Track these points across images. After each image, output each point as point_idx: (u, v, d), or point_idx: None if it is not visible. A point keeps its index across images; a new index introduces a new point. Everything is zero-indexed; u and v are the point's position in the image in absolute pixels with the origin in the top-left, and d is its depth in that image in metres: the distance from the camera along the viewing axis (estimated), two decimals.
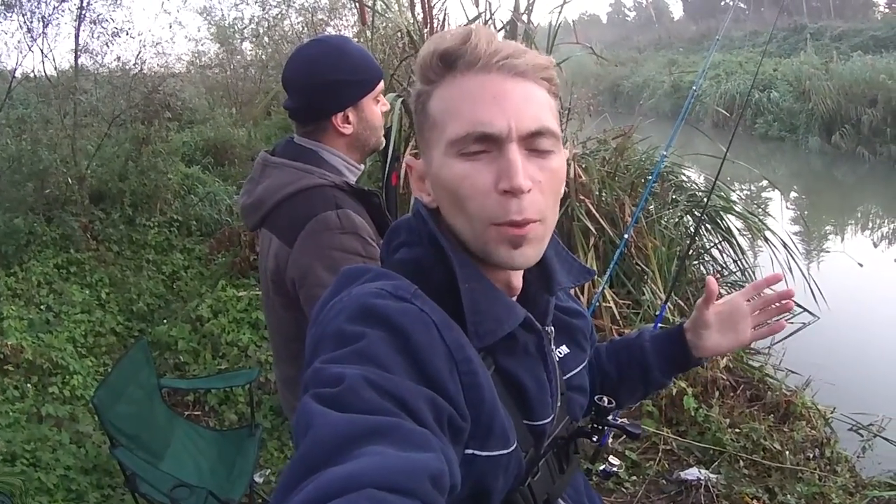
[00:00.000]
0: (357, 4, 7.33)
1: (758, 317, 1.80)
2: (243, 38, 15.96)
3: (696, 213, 7.55)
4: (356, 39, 11.04)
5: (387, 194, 5.11)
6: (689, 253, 7.47)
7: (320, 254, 2.23)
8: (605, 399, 1.72)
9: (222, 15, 16.59)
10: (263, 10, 15.90)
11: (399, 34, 7.75)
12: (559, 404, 1.49)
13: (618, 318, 5.98)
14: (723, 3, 73.78)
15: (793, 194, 17.49)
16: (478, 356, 1.24)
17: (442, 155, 1.28)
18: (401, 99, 6.09)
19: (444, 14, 7.35)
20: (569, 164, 6.53)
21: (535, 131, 1.26)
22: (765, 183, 14.67)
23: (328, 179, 2.39)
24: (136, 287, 7.89)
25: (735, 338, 1.81)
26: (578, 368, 1.62)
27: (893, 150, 18.96)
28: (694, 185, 8.08)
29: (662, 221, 6.99)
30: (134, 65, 11.23)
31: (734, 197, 8.72)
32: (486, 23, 6.88)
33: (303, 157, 2.45)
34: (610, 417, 1.72)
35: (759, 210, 8.66)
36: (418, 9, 7.16)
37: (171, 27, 17.26)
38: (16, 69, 9.59)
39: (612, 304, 5.94)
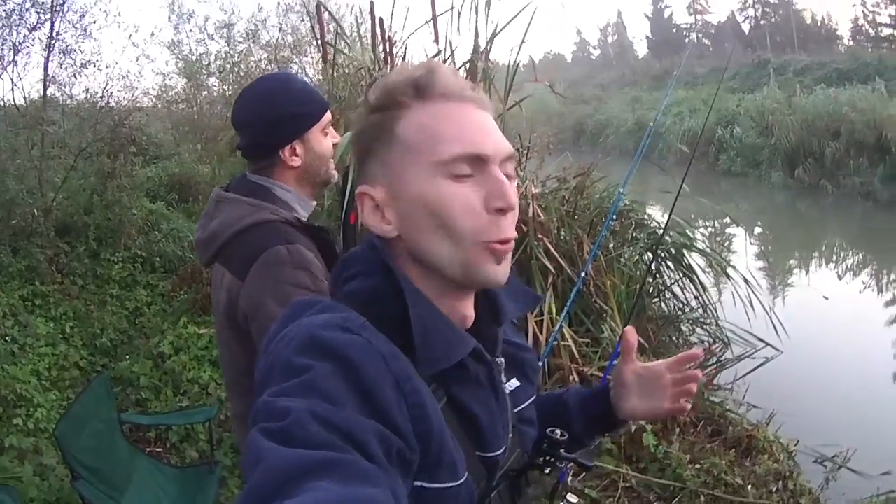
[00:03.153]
0: (319, 42, 7.30)
1: (675, 389, 1.77)
2: (210, 74, 15.89)
3: (656, 250, 7.55)
4: (319, 77, 11.08)
5: (345, 232, 5.09)
6: (650, 291, 7.48)
7: (272, 287, 2.24)
8: (558, 431, 1.67)
9: (190, 49, 16.57)
10: (228, 45, 15.92)
11: (360, 72, 7.76)
12: (511, 436, 1.48)
13: (576, 356, 5.94)
14: (686, 41, 74.71)
15: (757, 230, 17.59)
16: (427, 387, 1.23)
17: (426, 176, 1.30)
18: None
19: (405, 52, 7.35)
20: (528, 203, 6.52)
21: (510, 155, 1.35)
22: (729, 219, 14.72)
23: (280, 215, 2.41)
24: (99, 322, 7.89)
25: (652, 405, 1.78)
26: (528, 401, 1.62)
27: (857, 182, 19.13)
28: (655, 222, 8.03)
29: (622, 259, 6.96)
30: (101, 97, 11.29)
31: (699, 234, 8.76)
32: (445, 61, 6.87)
33: (255, 193, 2.49)
34: (562, 450, 1.67)
35: (723, 246, 8.69)
36: (379, 49, 7.14)
37: (137, 60, 17.22)
38: None
39: (570, 343, 5.90)
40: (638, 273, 7.30)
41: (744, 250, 13.89)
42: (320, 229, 2.52)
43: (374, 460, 1.01)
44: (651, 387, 1.76)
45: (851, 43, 61.80)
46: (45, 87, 10.76)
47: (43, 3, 10.89)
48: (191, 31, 17.00)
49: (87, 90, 11.41)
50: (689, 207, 12.01)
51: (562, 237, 6.77)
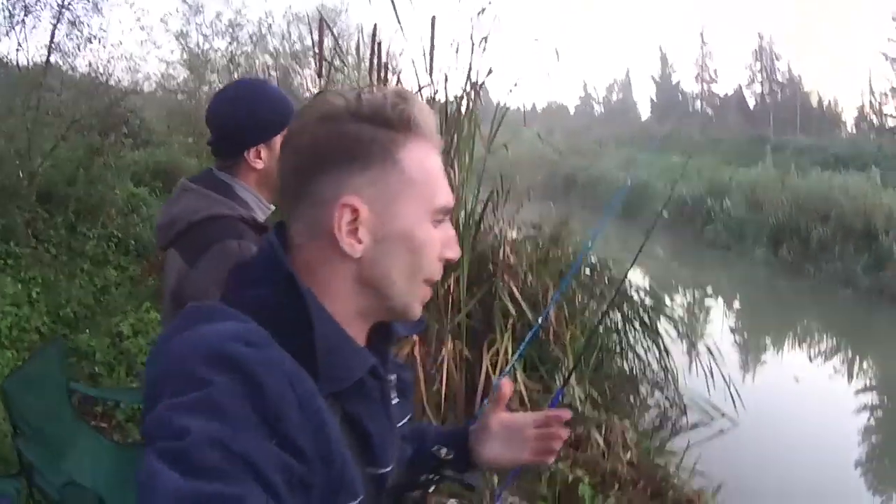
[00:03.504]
0: (316, 56, 7.31)
1: (539, 443, 1.82)
2: (213, 70, 15.84)
3: (619, 305, 7.55)
4: (313, 90, 11.09)
5: None
6: (612, 348, 7.44)
7: (217, 279, 2.13)
8: (443, 450, 1.73)
9: (197, 42, 16.53)
10: (234, 44, 15.89)
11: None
12: (396, 454, 1.47)
13: (527, 401, 5.90)
14: (691, 109, 75.21)
15: (735, 303, 17.58)
16: (326, 406, 1.18)
17: (418, 217, 1.32)
18: None
19: (398, 77, 7.37)
20: (499, 245, 6.50)
21: None
22: (709, 289, 14.73)
23: (236, 212, 2.51)
24: (66, 293, 8.00)
25: (513, 455, 1.82)
26: (406, 419, 1.60)
27: (839, 267, 19.12)
28: (628, 281, 7.99)
29: (586, 312, 6.91)
30: (101, 74, 11.35)
31: (677, 300, 8.79)
32: (434, 93, 6.91)
33: (217, 188, 2.58)
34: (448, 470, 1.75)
35: (697, 316, 8.69)
36: (375, 73, 7.14)
37: (142, 44, 17.15)
38: None
39: (522, 387, 5.86)
40: (602, 329, 7.25)
41: (719, 321, 13.90)
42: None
43: (274, 490, 0.97)
44: (515, 437, 1.81)
45: (854, 130, 62.26)
46: (49, 54, 10.84)
47: None
48: (199, 24, 16.95)
49: (91, 64, 11.64)
50: (670, 273, 12.09)
51: (528, 283, 6.74)
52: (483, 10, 6.64)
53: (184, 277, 2.47)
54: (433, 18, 6.58)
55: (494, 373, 5.94)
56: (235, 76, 15.25)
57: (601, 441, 5.61)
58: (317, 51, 7.17)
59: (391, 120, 1.30)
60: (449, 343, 5.98)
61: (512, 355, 5.92)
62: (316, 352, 1.19)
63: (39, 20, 10.84)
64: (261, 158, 2.64)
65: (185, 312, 1.25)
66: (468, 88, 6.64)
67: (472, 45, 6.71)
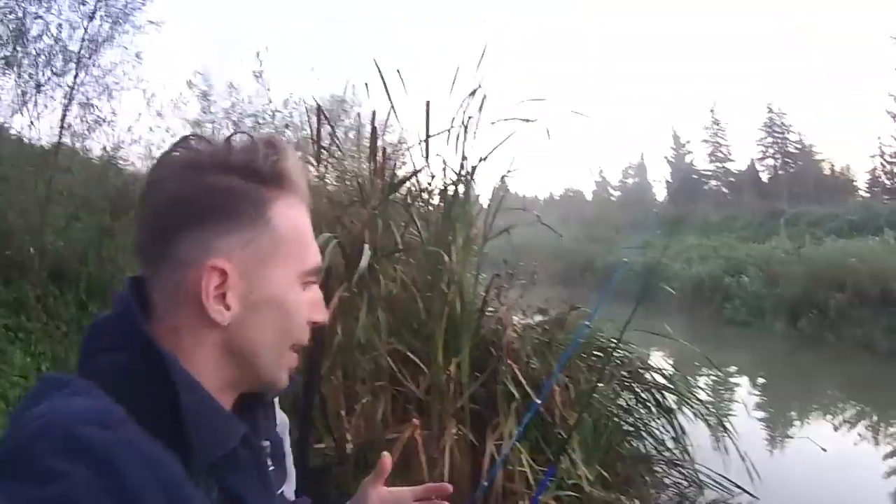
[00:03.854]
0: (315, 144, 7.38)
1: None
2: None
3: (635, 388, 7.48)
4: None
5: (314, 333, 5.01)
6: (624, 428, 7.35)
7: None
8: None
9: (212, 130, 16.61)
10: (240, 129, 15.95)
11: (353, 179, 7.88)
12: None
13: (532, 483, 5.80)
14: (706, 188, 75.26)
15: (758, 379, 17.40)
16: (196, 490, 1.08)
17: (290, 281, 1.26)
18: (336, 240, 6.06)
19: (395, 166, 7.40)
20: (503, 329, 6.46)
21: None
22: (733, 368, 14.62)
23: None
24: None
25: None
26: (282, 488, 1.51)
27: (858, 333, 18.98)
28: (639, 362, 7.92)
29: (594, 394, 6.82)
30: (111, 158, 11.53)
31: (701, 381, 8.72)
32: (432, 178, 7.02)
33: None
34: None
35: (721, 395, 8.60)
36: (370, 160, 7.20)
37: (151, 129, 17.29)
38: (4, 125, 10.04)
39: (527, 469, 5.77)
40: (613, 409, 7.17)
41: (742, 398, 13.76)
42: None
43: None
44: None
45: (868, 194, 62.10)
46: (61, 134, 11.09)
47: (71, 52, 11.22)
48: (213, 112, 17.06)
49: (105, 148, 11.92)
50: (690, 356, 12.01)
51: (532, 366, 6.67)
52: (475, 92, 6.64)
53: None
54: (427, 104, 6.61)
55: (498, 454, 5.83)
56: None
57: None
58: (314, 138, 7.24)
59: (263, 174, 1.22)
60: (452, 426, 5.92)
61: (518, 440, 5.87)
62: (184, 421, 1.09)
63: (52, 99, 11.13)
64: None
65: (42, 380, 1.14)
66: (463, 173, 6.64)
67: (466, 129, 6.72)
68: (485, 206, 6.97)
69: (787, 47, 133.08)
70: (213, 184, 1.19)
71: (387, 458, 1.75)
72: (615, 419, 7.09)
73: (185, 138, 1.26)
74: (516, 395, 6.20)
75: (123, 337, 1.16)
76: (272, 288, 1.23)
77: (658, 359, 8.90)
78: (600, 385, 7.11)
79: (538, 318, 7.69)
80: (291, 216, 1.25)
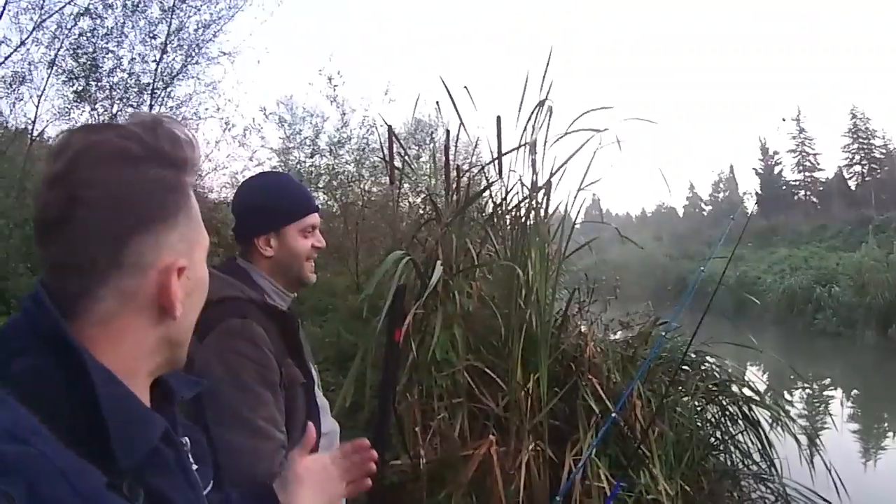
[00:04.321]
0: (386, 165, 7.44)
1: (350, 474, 2.03)
2: (317, 188, 15.99)
3: (721, 401, 7.36)
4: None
5: (389, 350, 5.08)
6: (710, 442, 7.23)
7: (218, 353, 2.39)
8: None
9: (298, 160, 16.74)
10: (334, 159, 16.00)
11: (427, 199, 7.92)
12: None
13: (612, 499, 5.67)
14: (795, 199, 74.23)
15: (851, 391, 17.05)
16: (117, 499, 1.03)
17: (202, 259, 1.30)
18: (409, 258, 6.10)
19: (469, 184, 7.37)
20: (585, 344, 6.41)
21: None
22: (827, 381, 14.39)
23: (246, 294, 2.58)
24: None
25: (330, 497, 1.96)
26: (210, 486, 1.50)
27: None
28: (727, 375, 7.77)
29: (677, 409, 6.71)
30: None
31: (796, 395, 8.60)
32: (507, 193, 7.01)
33: (234, 273, 2.69)
34: None
35: (816, 408, 8.45)
36: (442, 176, 7.23)
37: (228, 157, 17.52)
38: None
39: (605, 485, 5.67)
40: (699, 422, 7.06)
41: (835, 410, 13.51)
42: (286, 314, 2.66)
43: None
44: (327, 479, 1.96)
45: None
46: None
47: (147, 85, 11.47)
48: (300, 142, 17.21)
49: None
50: (783, 370, 11.89)
51: (613, 381, 6.59)
52: (543, 102, 6.58)
53: (193, 353, 2.49)
54: (498, 119, 6.60)
55: (573, 468, 5.76)
56: (339, 193, 15.40)
57: None
58: (387, 159, 7.26)
59: (182, 160, 1.22)
60: (529, 442, 5.86)
61: (598, 454, 5.79)
62: (104, 419, 1.04)
63: None
64: (270, 247, 2.74)
65: None
66: (536, 187, 6.59)
67: (535, 143, 6.68)
68: (568, 221, 6.84)
69: (869, 50, 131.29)
70: (152, 178, 1.17)
71: (311, 430, 1.96)
72: (700, 433, 6.95)
73: (93, 126, 1.20)
74: (596, 409, 6.13)
75: (35, 338, 1.11)
76: (199, 270, 1.28)
77: (751, 373, 8.71)
78: (684, 398, 7.02)
79: (621, 333, 7.61)
80: (195, 203, 1.26)
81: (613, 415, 5.35)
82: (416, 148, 16.21)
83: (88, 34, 11.71)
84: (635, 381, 5.70)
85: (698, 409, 7.30)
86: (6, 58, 10.61)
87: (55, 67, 11.44)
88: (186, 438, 1.38)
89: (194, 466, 1.38)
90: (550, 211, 6.76)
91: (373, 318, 6.17)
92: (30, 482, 0.89)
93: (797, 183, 77.71)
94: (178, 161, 1.20)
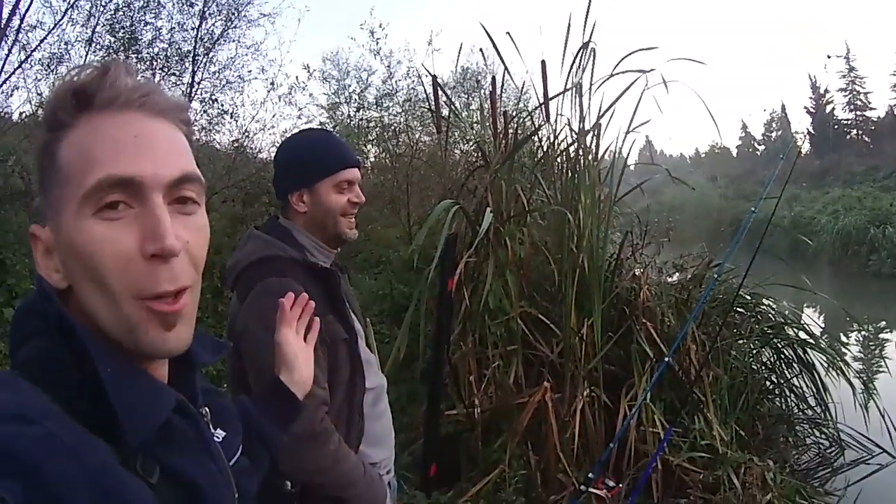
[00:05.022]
0: (433, 115, 7.37)
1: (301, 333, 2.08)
2: (368, 141, 15.96)
3: (774, 343, 7.29)
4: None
5: (441, 300, 5.11)
6: (765, 386, 7.17)
7: (258, 313, 2.42)
8: (288, 484, 1.81)
9: (348, 115, 16.71)
10: (384, 111, 15.96)
11: (475, 147, 7.89)
12: (237, 496, 1.30)
13: (665, 445, 5.64)
14: (847, 138, 73.10)
15: None
16: (128, 474, 1.01)
17: (75, 215, 1.07)
18: (458, 207, 6.06)
19: (517, 130, 7.31)
20: (639, 287, 6.36)
21: (181, 177, 1.13)
22: (882, 323, 14.21)
23: (287, 253, 2.62)
24: None
25: (308, 364, 2.05)
26: (239, 452, 1.48)
27: None
28: (782, 317, 7.69)
29: (732, 352, 6.68)
30: (240, 148, 12.06)
31: (852, 338, 8.49)
32: (555, 137, 6.95)
33: (275, 232, 2.73)
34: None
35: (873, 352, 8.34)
36: (490, 124, 7.18)
37: (275, 117, 17.54)
38: None
39: (659, 430, 5.67)
40: (754, 366, 7.05)
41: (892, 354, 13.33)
42: (327, 271, 2.68)
43: None
44: (298, 344, 2.05)
45: None
46: None
47: (188, 52, 11.51)
48: (347, 97, 17.16)
49: (238, 140, 12.54)
50: (840, 312, 11.72)
51: (668, 325, 6.55)
52: (587, 45, 6.50)
53: (235, 314, 2.59)
54: (543, 63, 6.52)
55: (618, 412, 5.83)
56: (391, 145, 15.36)
57: (738, 483, 5.38)
58: (433, 109, 7.21)
59: (60, 116, 1.11)
60: (584, 388, 5.86)
61: (652, 400, 5.78)
62: (110, 401, 1.02)
63: None
64: (304, 202, 2.75)
65: None
66: (584, 131, 6.54)
67: (580, 86, 6.61)
68: (618, 164, 6.75)
69: None
70: (36, 148, 1.15)
71: (286, 301, 2.07)
72: (755, 376, 6.92)
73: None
74: (650, 354, 6.11)
75: (41, 320, 1.10)
76: (63, 233, 1.09)
77: (806, 315, 8.61)
78: (739, 341, 6.97)
79: (677, 276, 7.54)
80: (77, 141, 1.10)
81: (667, 359, 5.32)
82: (466, 96, 16.11)
83: (125, 8, 11.73)
84: (689, 324, 5.61)
85: (753, 352, 7.27)
86: (41, 41, 10.59)
87: (93, 45, 11.45)
88: (206, 409, 1.33)
89: (220, 434, 1.39)
90: (600, 154, 6.68)
91: (425, 269, 6.16)
92: (37, 464, 0.89)
93: (849, 122, 76.47)
94: (49, 122, 1.12)
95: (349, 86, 17.16)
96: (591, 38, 6.57)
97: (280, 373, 1.97)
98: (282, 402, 1.90)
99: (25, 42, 10.41)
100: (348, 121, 16.37)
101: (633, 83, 6.37)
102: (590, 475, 4.95)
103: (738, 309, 7.19)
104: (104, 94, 1.10)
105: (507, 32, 6.89)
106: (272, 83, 13.24)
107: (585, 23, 6.57)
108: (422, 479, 5.55)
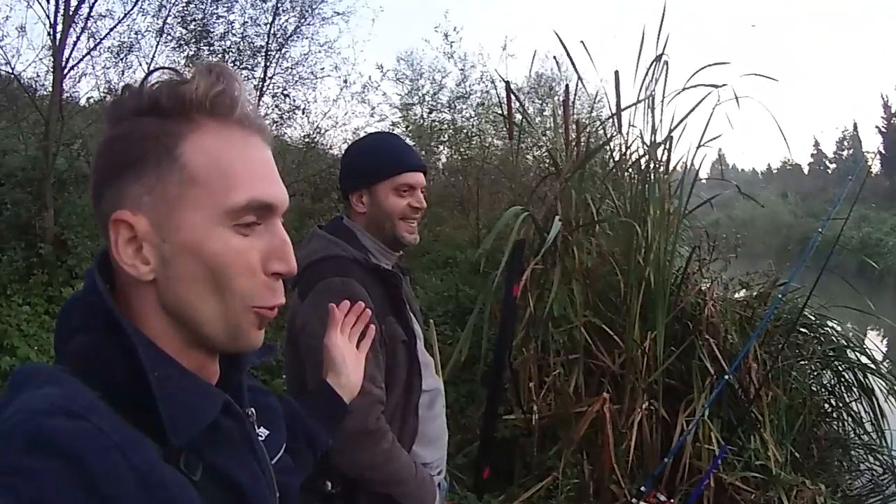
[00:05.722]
0: (506, 121, 7.44)
1: (355, 340, 2.11)
2: (441, 142, 16.00)
3: (837, 367, 7.23)
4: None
5: (506, 305, 5.17)
6: (822, 409, 7.13)
7: (317, 311, 2.42)
8: (329, 484, 1.81)
9: (421, 116, 16.74)
10: (457, 114, 15.96)
11: (545, 152, 7.92)
12: (279, 495, 1.34)
13: (719, 462, 5.64)
14: None
15: None
16: (174, 472, 1.04)
17: (211, 223, 1.11)
18: (527, 213, 6.12)
19: (588, 139, 7.34)
20: (704, 302, 6.37)
21: (287, 208, 1.22)
22: None
23: (349, 253, 2.67)
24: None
25: (357, 370, 2.08)
26: (282, 450, 1.50)
27: None
28: (843, 339, 7.62)
29: (792, 372, 6.65)
30: (311, 143, 12.27)
31: None
32: (626, 148, 6.97)
33: (339, 233, 2.77)
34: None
35: None
36: (561, 132, 7.20)
37: (347, 114, 17.64)
38: None
39: (715, 447, 5.63)
40: (813, 388, 7.00)
41: None
42: (388, 273, 2.72)
43: None
44: (349, 350, 2.07)
45: None
46: None
47: (260, 48, 11.63)
48: (421, 98, 17.20)
49: (309, 136, 12.71)
50: None
51: (730, 341, 6.51)
52: (660, 57, 6.52)
53: (295, 311, 2.64)
54: (616, 73, 6.55)
55: (675, 427, 5.83)
56: (464, 147, 15.37)
57: None
58: (505, 115, 7.26)
59: (167, 108, 1.11)
60: (643, 401, 5.88)
61: (710, 416, 5.79)
62: (156, 402, 1.04)
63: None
64: (363, 203, 2.80)
65: (14, 375, 1.08)
66: (655, 143, 6.57)
67: (653, 98, 6.63)
68: (689, 177, 6.75)
69: None
70: (123, 131, 1.12)
71: (333, 308, 2.09)
72: (814, 399, 6.87)
73: (120, 91, 1.16)
74: (711, 370, 6.09)
75: (90, 315, 1.12)
76: (184, 235, 1.11)
77: (869, 339, 8.49)
78: (801, 362, 6.93)
79: (742, 292, 7.51)
80: (208, 149, 1.13)
81: (727, 377, 5.33)
82: (539, 102, 16.09)
83: (197, 1, 11.86)
84: (751, 342, 5.63)
85: (813, 373, 7.21)
86: (111, 29, 10.68)
87: (164, 35, 11.57)
88: (252, 409, 1.34)
89: (265, 433, 1.41)
90: (671, 167, 6.70)
91: (491, 273, 6.20)
92: (84, 459, 0.91)
93: None
94: (158, 110, 1.11)
95: (423, 87, 17.13)
96: (664, 50, 6.59)
97: (327, 375, 2.02)
98: (328, 404, 1.95)
99: (94, 30, 10.50)
100: (421, 121, 16.40)
101: (705, 97, 6.38)
102: (642, 488, 5.00)
103: (801, 329, 7.08)
104: (238, 111, 1.15)
105: (581, 41, 6.96)
106: (345, 81, 13.34)
107: (659, 35, 6.60)
108: (475, 480, 5.62)
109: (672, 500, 5.38)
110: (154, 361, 1.07)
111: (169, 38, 11.70)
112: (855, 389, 7.22)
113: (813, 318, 7.21)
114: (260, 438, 1.36)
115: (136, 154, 1.10)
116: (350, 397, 2.02)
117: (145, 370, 1.05)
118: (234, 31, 12.17)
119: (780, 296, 5.66)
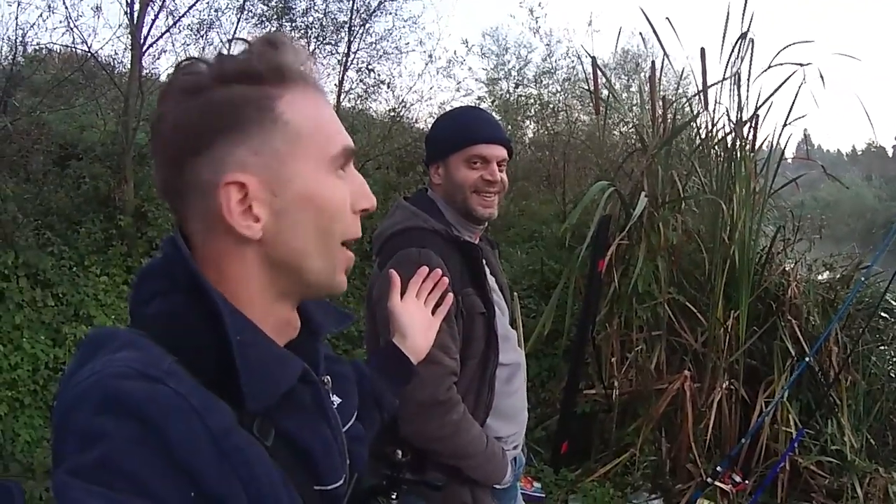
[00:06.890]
0: (592, 96, 7.44)
1: (430, 306, 2.13)
2: (527, 116, 15.97)
3: None
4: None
5: (591, 280, 5.22)
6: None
7: None
8: (399, 452, 1.74)
9: (507, 90, 16.70)
10: (543, 89, 15.89)
11: (633, 130, 7.90)
12: (348, 462, 1.36)
13: (796, 445, 5.62)
14: None
15: None
16: (250, 437, 1.07)
17: (316, 172, 1.20)
18: (613, 189, 6.21)
19: (675, 116, 7.35)
20: (787, 283, 6.36)
21: None
22: None
23: (430, 224, 2.69)
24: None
25: (426, 334, 2.08)
26: (353, 418, 1.54)
27: None
28: None
29: (872, 358, 6.62)
30: (396, 117, 12.23)
31: None
32: (713, 126, 6.98)
33: (421, 204, 2.83)
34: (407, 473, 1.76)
35: None
36: (648, 108, 7.20)
37: (432, 89, 17.61)
38: None
39: (792, 430, 5.67)
40: (892, 374, 6.88)
41: None
42: (468, 244, 2.72)
43: None
44: (420, 314, 2.08)
45: None
46: (339, 100, 11.98)
47: (344, 23, 11.68)
48: (507, 73, 17.14)
49: (394, 110, 12.62)
50: None
51: (812, 323, 6.50)
52: (745, 35, 6.54)
53: (374, 280, 2.71)
54: (702, 50, 6.53)
55: (755, 408, 5.86)
56: (551, 122, 15.32)
57: (860, 492, 5.41)
58: (592, 90, 7.28)
59: (261, 72, 1.16)
60: (724, 380, 5.91)
61: (789, 399, 5.82)
62: (236, 367, 1.07)
63: (327, 67, 12.03)
64: (439, 174, 2.86)
65: (85, 342, 1.12)
66: (742, 121, 6.57)
67: (739, 76, 6.65)
68: (774, 157, 6.72)
69: None
70: (212, 99, 1.14)
71: (393, 275, 2.09)
72: (892, 385, 6.76)
73: (180, 65, 1.21)
74: (792, 352, 6.08)
75: (171, 280, 1.16)
76: (298, 185, 1.17)
77: None
78: (881, 347, 6.89)
79: (826, 274, 7.45)
80: (303, 107, 1.19)
81: (808, 359, 5.33)
82: (626, 78, 15.98)
83: None
84: (833, 325, 5.63)
85: (893, 359, 7.07)
86: (190, 7, 10.70)
87: (245, 12, 11.60)
88: (328, 377, 1.38)
89: (337, 400, 1.44)
90: (757, 145, 6.67)
91: (576, 247, 6.25)
92: (160, 421, 0.94)
93: None
94: (250, 76, 1.16)
95: (508, 62, 17.05)
96: (749, 28, 6.60)
97: (393, 337, 2.03)
98: (394, 363, 1.96)
99: (173, 7, 10.58)
100: (507, 96, 16.34)
101: (790, 76, 6.35)
102: (718, 468, 5.04)
103: (882, 314, 6.97)
104: (305, 71, 1.22)
105: (667, 17, 6.98)
106: (430, 56, 13.35)
107: (744, 13, 6.61)
108: (552, 454, 5.70)
109: (747, 482, 5.43)
110: (235, 325, 1.10)
111: (250, 14, 11.74)
112: None
113: (894, 303, 7.15)
114: (333, 406, 1.39)
115: (236, 118, 1.14)
116: (416, 360, 2.02)
117: (228, 334, 1.08)
118: (316, 7, 12.17)
119: (862, 279, 5.62)
